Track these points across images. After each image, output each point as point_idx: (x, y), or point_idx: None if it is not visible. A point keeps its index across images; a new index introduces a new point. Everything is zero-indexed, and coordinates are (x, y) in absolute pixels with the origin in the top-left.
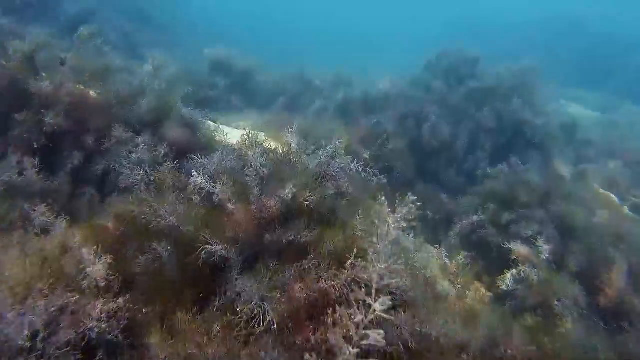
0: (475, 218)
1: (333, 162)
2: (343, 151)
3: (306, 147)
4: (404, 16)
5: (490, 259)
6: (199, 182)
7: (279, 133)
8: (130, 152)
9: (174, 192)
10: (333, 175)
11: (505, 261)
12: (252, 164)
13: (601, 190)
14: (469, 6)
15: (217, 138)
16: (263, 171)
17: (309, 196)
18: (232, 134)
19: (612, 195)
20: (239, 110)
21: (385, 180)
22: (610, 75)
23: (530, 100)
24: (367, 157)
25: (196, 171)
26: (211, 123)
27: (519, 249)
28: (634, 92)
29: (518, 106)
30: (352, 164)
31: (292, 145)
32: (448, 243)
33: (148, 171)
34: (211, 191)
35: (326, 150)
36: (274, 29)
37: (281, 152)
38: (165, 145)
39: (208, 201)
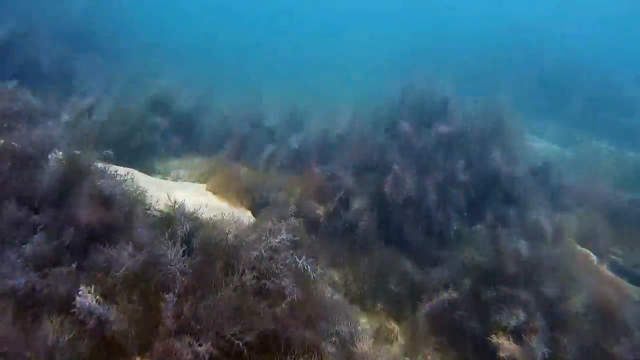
0: (446, 295)
1: (277, 255)
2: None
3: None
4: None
5: (465, 348)
6: (87, 305)
7: (223, 184)
8: (23, 241)
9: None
10: (276, 273)
11: (484, 352)
12: (171, 265)
13: (579, 248)
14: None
15: (146, 202)
16: (183, 281)
17: (240, 333)
18: (163, 193)
19: (591, 254)
20: (181, 155)
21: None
22: (565, 103)
23: (505, 146)
24: (322, 213)
25: (85, 286)
26: (139, 176)
27: (508, 346)
28: (589, 120)
29: (493, 155)
30: (300, 261)
31: (229, 235)
32: (415, 325)
33: (32, 277)
34: (104, 317)
35: (268, 243)
36: (232, 50)
37: (215, 240)
38: (71, 229)
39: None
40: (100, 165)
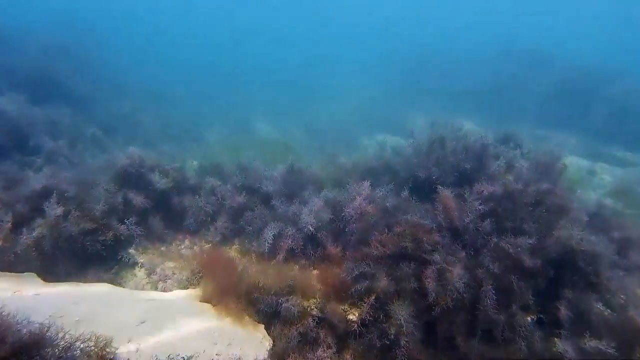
0: None
1: None
2: None
3: None
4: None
5: None
6: None
7: (220, 289)
8: None
9: None
10: None
11: None
12: None
13: None
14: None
15: None
16: None
17: None
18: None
19: None
20: (166, 239)
21: None
22: (585, 113)
23: (565, 207)
24: (355, 319)
25: None
26: (115, 296)
27: None
28: (611, 131)
29: (562, 227)
30: None
31: None
32: None
33: None
34: None
35: None
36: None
37: None
38: None
39: None
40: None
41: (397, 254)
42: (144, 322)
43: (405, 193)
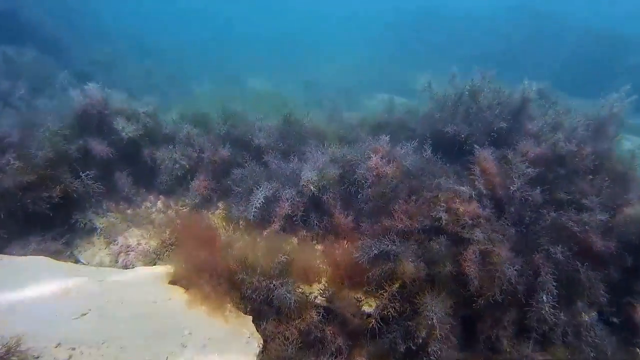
0: None
1: None
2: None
3: None
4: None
5: None
6: None
7: (194, 267)
8: None
9: None
10: None
11: None
12: None
13: None
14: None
15: None
16: None
17: None
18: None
19: None
20: (133, 200)
21: None
22: (608, 83)
23: (628, 176)
24: (371, 310)
25: None
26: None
27: None
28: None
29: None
30: None
31: None
32: None
33: None
34: None
35: None
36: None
37: None
38: None
39: None
40: None
41: (428, 228)
42: (85, 315)
43: (427, 152)
